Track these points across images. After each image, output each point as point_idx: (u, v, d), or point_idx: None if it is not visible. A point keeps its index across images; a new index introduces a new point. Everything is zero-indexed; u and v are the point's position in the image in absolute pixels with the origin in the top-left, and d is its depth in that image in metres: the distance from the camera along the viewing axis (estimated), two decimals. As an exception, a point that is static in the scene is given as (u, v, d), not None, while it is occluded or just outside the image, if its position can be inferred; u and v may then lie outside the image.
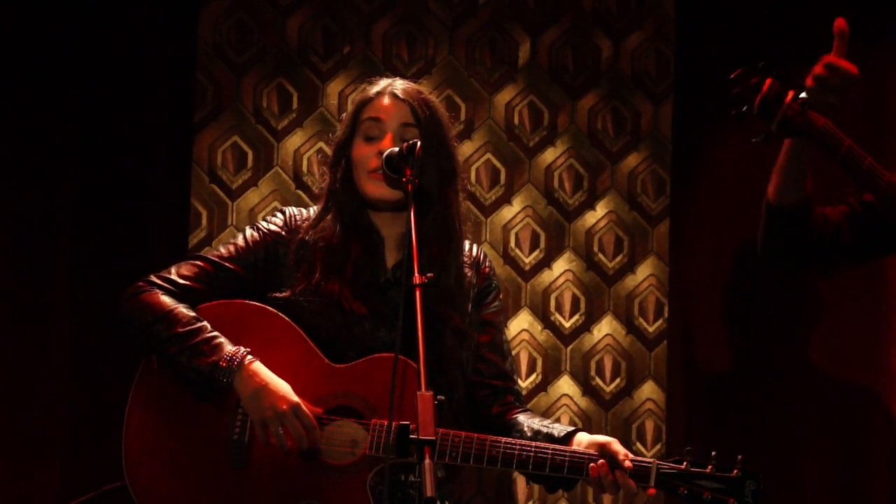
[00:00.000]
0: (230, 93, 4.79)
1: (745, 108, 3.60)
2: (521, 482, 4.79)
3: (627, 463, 3.32)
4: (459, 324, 3.51)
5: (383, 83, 3.59)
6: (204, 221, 4.75)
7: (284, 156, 4.80)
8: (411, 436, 2.92)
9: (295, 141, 4.81)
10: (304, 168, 4.75)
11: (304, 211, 3.62)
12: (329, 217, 3.54)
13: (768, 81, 3.59)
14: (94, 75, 4.70)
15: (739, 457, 3.30)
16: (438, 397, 2.98)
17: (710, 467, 3.31)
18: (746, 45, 4.90)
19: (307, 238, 3.52)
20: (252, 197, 4.78)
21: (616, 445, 3.37)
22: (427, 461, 2.86)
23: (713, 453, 3.31)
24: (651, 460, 3.35)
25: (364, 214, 3.53)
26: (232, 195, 4.77)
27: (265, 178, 4.79)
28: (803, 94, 3.57)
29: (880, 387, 4.74)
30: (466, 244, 3.66)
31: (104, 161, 4.71)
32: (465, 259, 3.63)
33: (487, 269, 3.68)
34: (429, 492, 2.82)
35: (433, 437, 2.89)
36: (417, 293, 3.09)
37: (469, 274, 3.61)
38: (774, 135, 3.60)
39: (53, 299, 4.64)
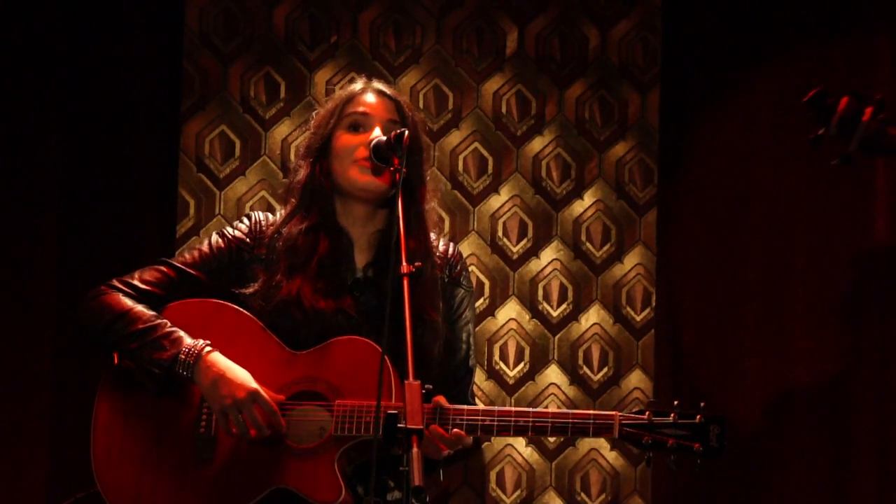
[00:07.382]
0: (217, 82, 4.78)
1: (821, 132, 3.46)
2: (508, 472, 4.79)
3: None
4: (433, 316, 3.47)
5: (363, 82, 3.58)
6: (192, 211, 4.75)
7: (272, 145, 4.79)
8: (399, 424, 2.92)
9: (283, 130, 4.80)
10: (292, 157, 4.73)
11: (269, 216, 3.57)
12: (300, 214, 3.50)
13: (845, 100, 3.46)
14: (81, 64, 4.69)
15: (702, 403, 3.26)
16: (426, 386, 2.98)
17: (672, 416, 3.26)
18: (733, 34, 4.91)
19: (275, 238, 3.50)
20: (240, 186, 4.77)
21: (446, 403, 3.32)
22: (415, 450, 2.86)
23: (675, 402, 3.27)
24: (613, 413, 3.31)
25: (334, 215, 3.51)
26: (220, 184, 4.77)
27: (253, 168, 4.79)
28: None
29: (867, 376, 4.75)
30: (442, 242, 3.60)
31: (91, 151, 4.70)
32: (438, 259, 3.55)
33: (458, 273, 3.59)
34: (416, 480, 2.82)
35: (421, 427, 2.89)
36: (405, 282, 3.09)
37: (440, 274, 3.54)
38: (854, 154, 3.46)
39: (40, 292, 4.62)
